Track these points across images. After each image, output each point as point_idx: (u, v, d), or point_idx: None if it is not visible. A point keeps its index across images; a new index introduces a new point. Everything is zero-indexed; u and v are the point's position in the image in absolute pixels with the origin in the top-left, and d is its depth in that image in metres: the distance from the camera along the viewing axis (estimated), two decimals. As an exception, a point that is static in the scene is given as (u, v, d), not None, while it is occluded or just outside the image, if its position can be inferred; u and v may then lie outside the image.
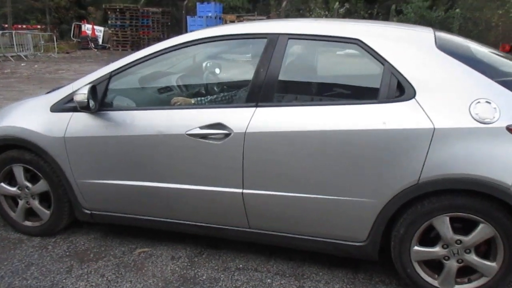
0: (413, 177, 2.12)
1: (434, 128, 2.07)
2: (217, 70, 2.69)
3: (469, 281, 2.25)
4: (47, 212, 2.92)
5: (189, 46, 2.55)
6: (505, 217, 2.08)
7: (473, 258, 2.18)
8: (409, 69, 2.19)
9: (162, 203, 2.62)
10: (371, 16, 20.17)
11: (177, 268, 2.62)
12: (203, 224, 2.61)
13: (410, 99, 2.16)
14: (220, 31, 2.53)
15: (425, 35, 2.33)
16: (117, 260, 2.71)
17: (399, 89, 2.19)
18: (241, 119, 2.35)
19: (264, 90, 2.36)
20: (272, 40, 2.40)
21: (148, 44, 18.19)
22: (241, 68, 2.65)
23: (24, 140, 2.77)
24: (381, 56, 2.24)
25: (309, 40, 2.40)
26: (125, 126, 2.56)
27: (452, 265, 2.22)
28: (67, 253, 2.79)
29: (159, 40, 22.68)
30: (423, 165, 2.10)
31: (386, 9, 19.60)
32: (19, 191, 2.93)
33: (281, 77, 2.37)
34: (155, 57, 2.60)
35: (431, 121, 2.09)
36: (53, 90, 3.04)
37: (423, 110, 2.11)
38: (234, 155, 2.37)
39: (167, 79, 2.83)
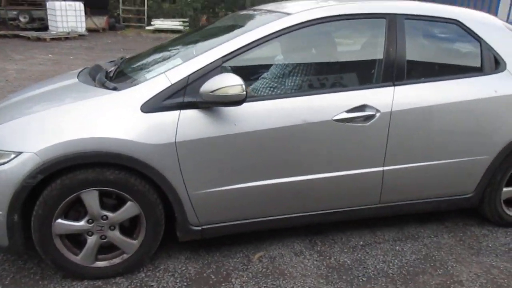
0: (516, 131, 2.64)
1: None
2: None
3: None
4: (134, 242, 2.29)
5: (307, 26, 2.36)
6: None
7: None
8: (498, 46, 2.66)
9: (297, 198, 2.43)
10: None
11: (315, 262, 2.50)
12: (333, 211, 2.55)
13: (503, 70, 2.64)
14: (338, 10, 2.43)
15: (494, 18, 2.82)
16: (248, 272, 2.39)
17: (496, 63, 2.64)
18: (385, 98, 2.40)
19: (397, 69, 2.45)
20: (392, 20, 2.49)
21: None
22: (358, 48, 2.59)
23: (115, 155, 2.08)
24: (477, 35, 2.64)
25: (420, 20, 2.58)
26: (259, 118, 2.23)
27: None
28: (196, 284, 2.28)
29: None
30: (522, 121, 2.63)
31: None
32: (89, 225, 2.19)
33: (408, 56, 2.49)
34: (267, 40, 2.31)
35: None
36: (111, 83, 2.31)
37: None
38: (380, 134, 2.41)
39: (287, 62, 2.52)
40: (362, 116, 2.36)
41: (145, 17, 18.42)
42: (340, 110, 2.33)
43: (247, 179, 2.30)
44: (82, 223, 2.18)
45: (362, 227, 2.86)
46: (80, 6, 14.09)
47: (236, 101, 2.07)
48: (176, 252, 2.54)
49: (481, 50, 2.64)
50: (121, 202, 2.22)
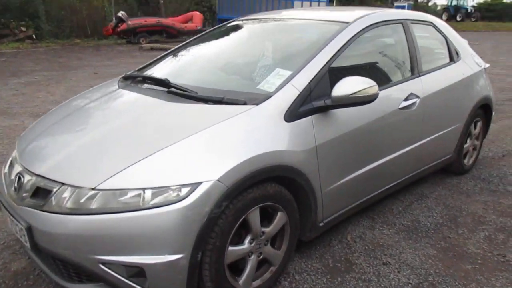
0: (476, 99, 3.62)
1: (474, 73, 3.63)
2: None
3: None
4: (279, 252, 2.31)
5: (363, 33, 2.74)
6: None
7: None
8: (454, 40, 3.60)
9: (382, 176, 2.85)
10: None
11: (390, 230, 2.95)
12: (393, 184, 3.04)
13: (460, 60, 3.59)
14: (378, 17, 2.89)
15: (444, 22, 3.72)
16: (359, 252, 2.68)
17: (456, 54, 3.57)
18: (418, 87, 3.01)
19: (418, 63, 3.09)
20: (406, 24, 3.11)
21: None
22: (395, 48, 3.05)
23: (284, 167, 2.11)
24: (444, 33, 3.51)
25: (415, 23, 3.25)
26: (360, 114, 2.54)
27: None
28: (336, 274, 2.43)
29: None
30: (478, 92, 3.64)
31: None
32: (251, 245, 2.13)
33: (418, 53, 3.14)
34: (346, 47, 2.60)
35: (472, 69, 3.63)
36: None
37: (468, 65, 3.62)
38: (419, 116, 3.02)
39: (359, 63, 2.77)
40: (412, 103, 2.91)
41: None
42: (400, 99, 2.83)
43: (356, 168, 2.59)
44: (246, 245, 2.10)
45: (384, 198, 3.42)
46: None
47: (371, 100, 2.33)
48: (286, 255, 2.61)
49: (447, 45, 3.53)
50: (268, 215, 2.21)
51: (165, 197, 1.82)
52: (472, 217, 3.17)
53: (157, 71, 2.97)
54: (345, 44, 2.58)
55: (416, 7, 32.61)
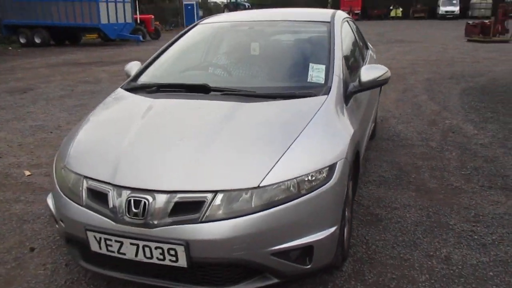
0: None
1: (375, 58, 4.68)
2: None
3: None
4: (348, 215, 2.75)
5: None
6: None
7: None
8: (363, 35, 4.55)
9: (364, 143, 3.51)
10: None
11: (374, 186, 3.69)
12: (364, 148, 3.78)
13: (370, 49, 4.58)
14: (343, 15, 3.53)
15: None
16: (375, 206, 3.31)
17: (366, 43, 4.54)
18: None
19: (362, 50, 3.88)
20: (346, 21, 3.84)
21: None
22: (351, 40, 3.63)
23: (357, 142, 2.60)
24: (357, 27, 4.41)
25: (348, 20, 4.00)
26: (364, 95, 3.18)
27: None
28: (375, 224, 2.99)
29: None
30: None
31: None
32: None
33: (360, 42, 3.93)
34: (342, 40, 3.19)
35: (374, 54, 4.67)
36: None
37: (372, 51, 4.63)
38: (372, 91, 3.83)
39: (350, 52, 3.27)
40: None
41: None
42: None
43: (365, 138, 3.21)
44: (346, 212, 2.48)
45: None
46: None
47: (387, 82, 2.94)
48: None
49: (361, 36, 4.44)
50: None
51: (314, 180, 2.07)
52: (409, 165, 4.17)
53: (173, 78, 2.97)
54: (341, 39, 3.13)
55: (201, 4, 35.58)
